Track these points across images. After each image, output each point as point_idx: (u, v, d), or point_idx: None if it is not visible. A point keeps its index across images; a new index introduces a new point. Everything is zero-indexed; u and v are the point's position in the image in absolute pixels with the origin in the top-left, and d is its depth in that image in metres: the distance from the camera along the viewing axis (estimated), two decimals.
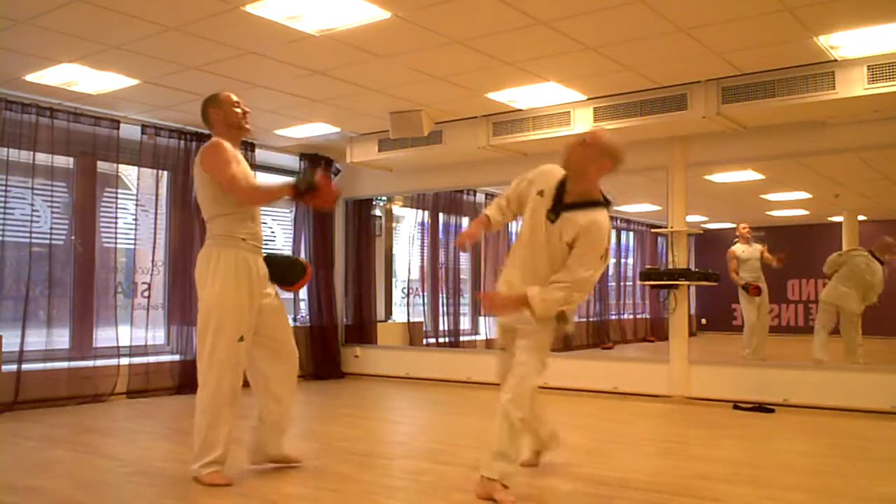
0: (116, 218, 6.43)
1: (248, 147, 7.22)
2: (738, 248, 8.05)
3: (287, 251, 8.04)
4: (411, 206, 9.05)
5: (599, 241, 3.14)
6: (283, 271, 3.65)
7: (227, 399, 3.38)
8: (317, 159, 7.85)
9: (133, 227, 6.56)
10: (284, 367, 3.61)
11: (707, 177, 8.19)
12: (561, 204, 3.21)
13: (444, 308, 8.95)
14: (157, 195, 6.65)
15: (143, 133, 6.46)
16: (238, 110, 3.58)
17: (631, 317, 12.71)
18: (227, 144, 3.47)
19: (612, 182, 3.36)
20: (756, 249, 8.09)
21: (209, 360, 3.37)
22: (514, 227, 10.15)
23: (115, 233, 6.46)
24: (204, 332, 3.39)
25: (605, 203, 3.25)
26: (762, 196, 10.30)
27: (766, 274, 8.16)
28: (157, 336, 6.72)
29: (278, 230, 8.15)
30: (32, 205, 5.85)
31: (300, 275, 3.68)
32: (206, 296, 3.41)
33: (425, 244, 9.00)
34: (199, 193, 3.53)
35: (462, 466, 3.74)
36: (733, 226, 13.43)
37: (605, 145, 3.17)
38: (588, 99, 5.91)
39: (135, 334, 6.38)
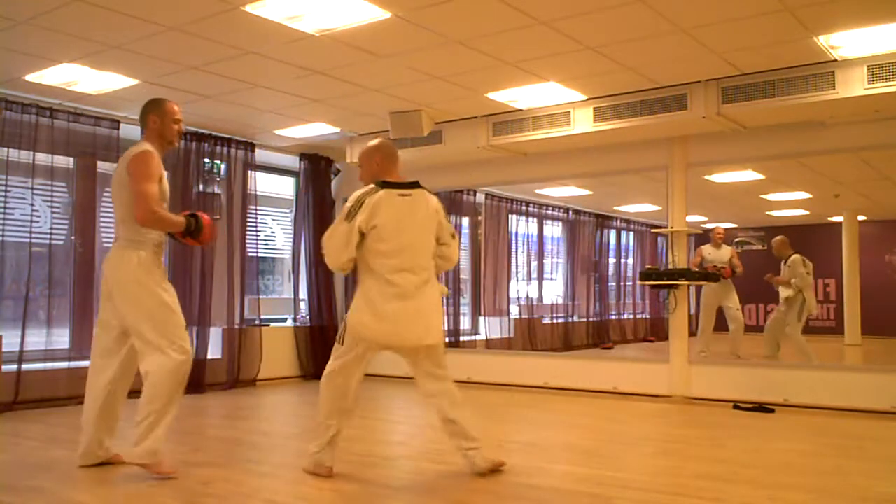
0: None
1: (249, 147, 7.21)
2: (706, 250, 8.25)
3: (287, 251, 8.04)
4: None
5: None
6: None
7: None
8: (317, 159, 7.85)
9: None
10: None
11: (707, 177, 8.20)
12: None
13: (444, 308, 8.95)
14: None
15: (142, 133, 6.44)
16: (176, 127, 3.70)
17: (631, 317, 12.72)
18: (157, 158, 3.58)
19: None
20: (725, 253, 8.21)
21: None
22: (515, 227, 10.19)
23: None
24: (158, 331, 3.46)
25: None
26: (762, 196, 10.31)
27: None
28: None
29: (278, 230, 8.14)
30: (32, 205, 5.85)
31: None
32: (149, 299, 3.47)
33: None
34: (118, 194, 3.59)
35: (462, 466, 3.74)
36: (734, 226, 13.53)
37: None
38: (588, 99, 5.91)
39: None
